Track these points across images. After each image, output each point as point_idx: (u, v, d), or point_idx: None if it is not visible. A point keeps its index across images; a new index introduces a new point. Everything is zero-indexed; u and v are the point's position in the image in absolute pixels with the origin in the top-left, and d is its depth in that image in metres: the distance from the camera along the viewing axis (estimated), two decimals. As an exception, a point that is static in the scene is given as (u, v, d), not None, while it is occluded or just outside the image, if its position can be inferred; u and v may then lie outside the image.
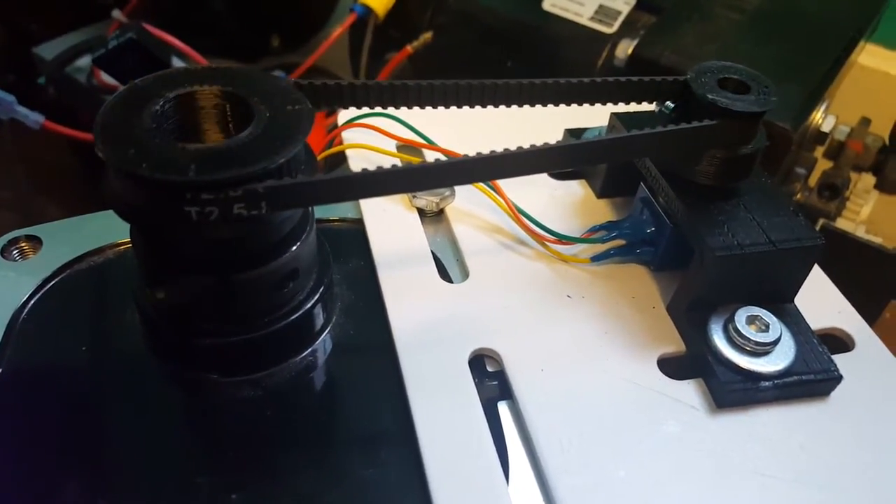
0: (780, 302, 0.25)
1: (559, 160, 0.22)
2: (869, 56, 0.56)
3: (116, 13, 0.54)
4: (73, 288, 0.26)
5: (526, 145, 0.21)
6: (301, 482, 0.22)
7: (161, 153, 0.19)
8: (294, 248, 0.22)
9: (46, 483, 0.21)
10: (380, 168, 0.20)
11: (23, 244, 0.27)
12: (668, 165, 0.25)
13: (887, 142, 0.48)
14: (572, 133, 0.32)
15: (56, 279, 0.26)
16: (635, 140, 0.23)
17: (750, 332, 0.23)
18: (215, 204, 0.18)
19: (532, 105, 0.24)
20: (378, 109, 0.30)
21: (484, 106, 0.24)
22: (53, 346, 0.25)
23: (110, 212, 0.30)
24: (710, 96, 0.23)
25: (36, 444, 0.22)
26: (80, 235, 0.28)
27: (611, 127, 0.29)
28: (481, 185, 0.28)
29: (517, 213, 0.27)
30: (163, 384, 0.24)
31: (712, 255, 0.23)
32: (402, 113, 0.30)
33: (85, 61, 0.51)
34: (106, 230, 0.28)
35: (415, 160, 0.31)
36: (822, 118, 0.40)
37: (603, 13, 0.46)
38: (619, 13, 0.46)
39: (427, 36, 0.45)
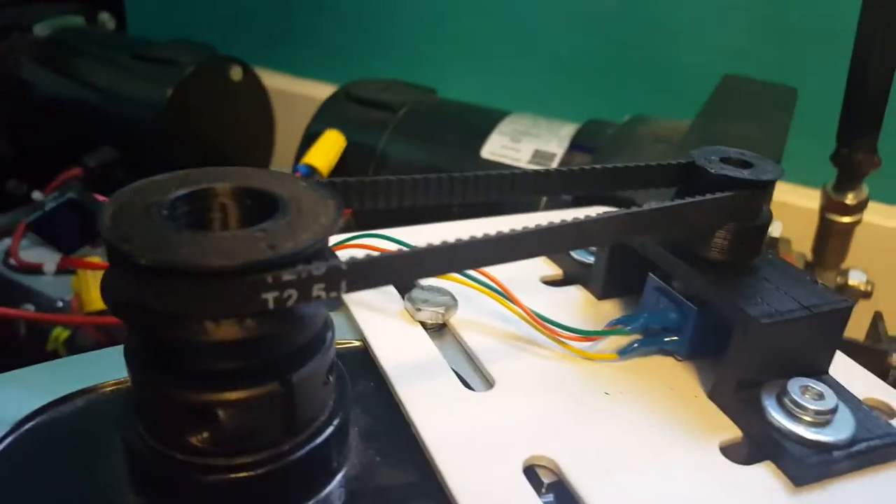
0: (817, 374, 0.24)
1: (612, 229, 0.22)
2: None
3: (37, 195, 0.51)
4: (35, 444, 0.22)
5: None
6: None
7: (200, 244, 0.16)
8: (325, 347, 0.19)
9: None
10: (472, 237, 0.19)
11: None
12: (680, 248, 0.25)
13: (810, 258, 0.52)
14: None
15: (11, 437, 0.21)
16: (656, 214, 0.23)
17: (808, 401, 0.22)
18: (296, 286, 0.15)
19: (541, 195, 0.24)
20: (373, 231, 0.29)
21: (499, 199, 0.24)
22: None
23: (65, 359, 0.26)
24: (720, 171, 0.24)
25: None
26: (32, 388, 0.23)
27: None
28: (491, 292, 0.27)
29: (532, 315, 0.26)
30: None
31: (758, 324, 0.22)
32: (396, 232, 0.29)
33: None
34: (63, 378, 0.24)
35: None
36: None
37: (539, 156, 0.48)
38: (555, 155, 0.48)
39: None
